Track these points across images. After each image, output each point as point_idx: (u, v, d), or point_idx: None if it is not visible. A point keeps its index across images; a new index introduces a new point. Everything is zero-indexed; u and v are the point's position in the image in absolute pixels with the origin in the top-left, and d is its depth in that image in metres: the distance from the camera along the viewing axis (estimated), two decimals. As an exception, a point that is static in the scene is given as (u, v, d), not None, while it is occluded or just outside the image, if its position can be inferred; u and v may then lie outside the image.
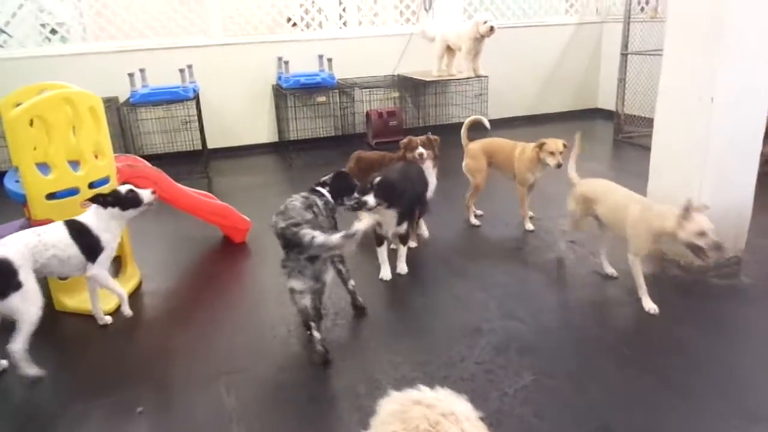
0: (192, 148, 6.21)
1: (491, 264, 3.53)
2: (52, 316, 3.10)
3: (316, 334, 2.59)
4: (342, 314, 3.00)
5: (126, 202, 2.94)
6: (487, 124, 4.33)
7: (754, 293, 3.04)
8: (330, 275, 2.66)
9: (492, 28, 5.98)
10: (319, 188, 2.94)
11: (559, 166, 3.65)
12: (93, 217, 2.88)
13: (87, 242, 2.82)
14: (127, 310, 3.04)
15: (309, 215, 2.62)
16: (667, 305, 2.93)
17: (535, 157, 3.82)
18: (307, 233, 2.42)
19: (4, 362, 2.61)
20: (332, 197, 2.94)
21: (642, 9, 7.08)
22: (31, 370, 2.52)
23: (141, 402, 2.37)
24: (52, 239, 2.71)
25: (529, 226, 3.97)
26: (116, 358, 2.76)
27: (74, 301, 3.15)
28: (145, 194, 3.00)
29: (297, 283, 2.55)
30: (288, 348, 2.74)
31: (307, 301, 2.57)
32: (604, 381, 2.40)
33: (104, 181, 3.24)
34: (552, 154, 3.70)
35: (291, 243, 2.48)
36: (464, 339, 2.70)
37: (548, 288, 3.23)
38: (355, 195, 3.02)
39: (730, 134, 2.95)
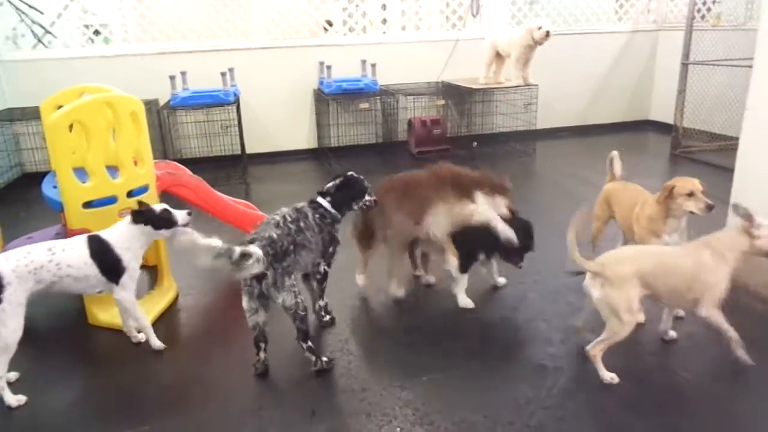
0: (231, 153, 6.08)
1: (549, 288, 3.26)
2: (86, 329, 2.98)
3: (262, 355, 2.57)
4: (387, 343, 2.77)
5: (158, 221, 2.68)
6: (618, 169, 3.27)
7: None
8: (287, 298, 2.43)
9: (548, 34, 5.69)
10: (319, 199, 2.77)
11: (710, 208, 2.66)
12: (117, 234, 2.65)
13: (108, 262, 2.59)
14: (155, 343, 2.77)
15: (273, 232, 2.48)
16: (749, 343, 2.64)
17: (662, 212, 2.77)
18: (250, 248, 2.31)
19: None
20: (337, 206, 2.77)
21: (703, 17, 6.72)
22: (10, 398, 2.37)
23: (175, 434, 2.19)
24: (68, 258, 2.50)
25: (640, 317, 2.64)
26: (148, 382, 2.59)
27: (108, 315, 2.99)
28: (180, 215, 2.73)
29: (244, 302, 2.48)
30: (332, 376, 2.53)
31: (258, 318, 2.49)
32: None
33: (143, 189, 3.08)
34: (691, 195, 2.69)
35: (233, 259, 2.26)
36: (528, 377, 2.45)
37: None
38: (368, 197, 2.85)
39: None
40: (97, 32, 6.17)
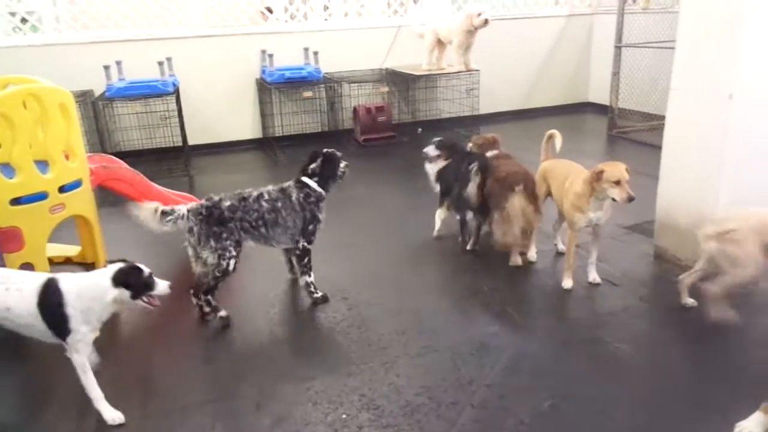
0: (172, 145, 5.93)
1: (492, 273, 3.33)
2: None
3: (194, 300, 2.85)
4: (338, 329, 2.78)
5: (140, 287, 2.23)
6: (557, 146, 3.35)
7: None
8: (210, 257, 2.74)
9: (486, 21, 5.76)
10: (305, 179, 2.95)
11: (631, 199, 2.73)
12: (76, 288, 2.18)
13: (54, 316, 2.15)
14: (107, 415, 2.21)
15: (227, 200, 2.78)
16: (681, 314, 2.78)
17: (587, 192, 2.87)
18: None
19: None
20: (324, 183, 2.97)
21: (634, 0, 6.92)
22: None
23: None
24: (11, 300, 2.14)
25: (568, 283, 3.03)
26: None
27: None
28: (162, 286, 2.30)
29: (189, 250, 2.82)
30: (278, 366, 2.52)
31: (196, 268, 2.82)
32: (627, 405, 2.22)
33: (76, 184, 2.98)
34: (617, 183, 2.75)
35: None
36: (471, 358, 2.50)
37: (556, 298, 3.03)
38: (343, 164, 3.08)
39: (750, 133, 2.78)
40: (24, 20, 5.89)
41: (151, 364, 2.63)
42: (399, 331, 2.75)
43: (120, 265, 2.21)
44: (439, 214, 3.81)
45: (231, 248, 2.75)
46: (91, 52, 5.73)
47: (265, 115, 6.43)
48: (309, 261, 3.02)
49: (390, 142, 6.38)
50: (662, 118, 6.08)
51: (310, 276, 3.03)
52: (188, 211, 2.75)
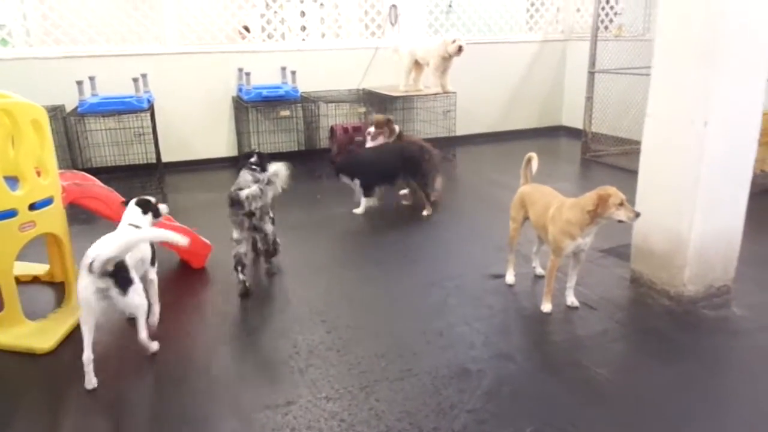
0: (146, 161, 5.83)
1: (470, 292, 3.32)
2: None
3: (242, 276, 3.31)
4: (316, 353, 2.73)
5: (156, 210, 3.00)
6: (533, 169, 3.34)
7: (744, 325, 2.93)
8: (269, 227, 3.43)
9: (460, 48, 5.84)
10: (254, 166, 3.65)
11: (638, 216, 2.76)
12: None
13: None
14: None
15: (254, 185, 3.26)
16: (658, 338, 2.81)
17: (587, 219, 2.81)
18: (242, 192, 3.20)
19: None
20: (262, 170, 3.58)
21: (606, 27, 7.11)
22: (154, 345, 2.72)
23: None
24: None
25: (547, 307, 3.05)
26: (57, 410, 2.42)
27: (8, 336, 2.78)
28: (164, 208, 3.05)
29: (236, 233, 3.31)
30: (255, 390, 2.46)
31: (242, 248, 3.31)
32: (607, 429, 2.21)
33: (47, 201, 2.89)
34: (621, 205, 2.75)
35: (233, 201, 3.24)
36: (452, 382, 2.48)
37: (535, 322, 3.03)
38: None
39: (723, 160, 2.84)
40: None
41: (121, 388, 2.54)
42: (378, 354, 2.71)
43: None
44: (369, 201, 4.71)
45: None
46: (63, 66, 5.63)
47: (241, 133, 6.38)
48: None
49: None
50: (635, 142, 6.30)
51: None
52: (244, 197, 3.20)
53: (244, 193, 3.19)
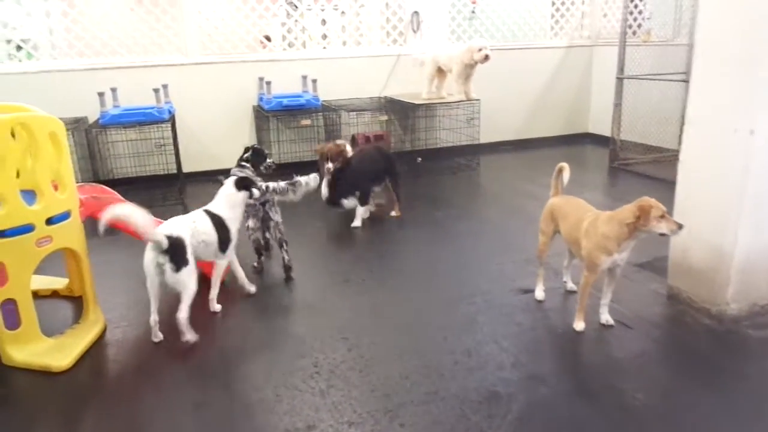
0: (166, 172, 5.80)
1: (499, 308, 3.19)
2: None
3: (262, 260, 3.80)
4: (338, 373, 2.62)
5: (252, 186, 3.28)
6: (565, 180, 3.19)
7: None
8: (278, 215, 3.65)
9: (487, 57, 5.71)
10: (243, 163, 3.85)
11: (681, 228, 2.58)
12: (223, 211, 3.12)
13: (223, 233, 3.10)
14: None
15: (283, 183, 3.58)
16: (699, 360, 2.65)
17: (625, 233, 2.67)
18: (263, 184, 3.48)
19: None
20: (253, 168, 3.87)
21: (634, 33, 6.93)
22: (191, 335, 2.84)
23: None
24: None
25: (580, 325, 2.91)
26: (69, 430, 2.35)
27: (24, 354, 2.72)
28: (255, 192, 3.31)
29: (251, 222, 3.63)
30: (273, 413, 2.36)
31: (258, 235, 3.69)
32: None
33: (64, 215, 2.83)
34: (662, 217, 2.60)
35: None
36: (481, 407, 2.35)
37: (567, 341, 2.89)
38: (268, 161, 4.01)
39: (771, 170, 2.67)
40: (19, 47, 5.79)
41: (139, 409, 2.45)
42: (403, 374, 2.60)
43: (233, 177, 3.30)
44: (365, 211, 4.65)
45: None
46: (86, 78, 5.64)
47: (261, 143, 6.31)
48: None
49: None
50: (665, 150, 6.12)
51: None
52: (269, 187, 3.51)
53: (272, 185, 3.51)
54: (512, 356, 2.72)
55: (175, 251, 2.74)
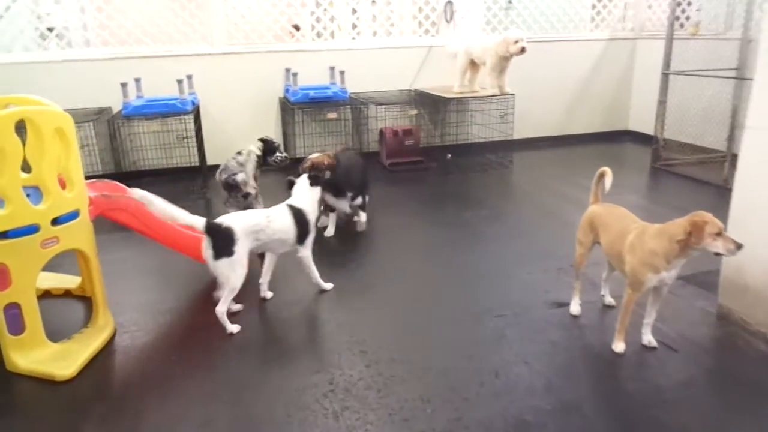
0: (190, 164, 5.68)
1: (529, 324, 2.96)
2: (2, 377, 2.58)
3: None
4: (354, 392, 2.43)
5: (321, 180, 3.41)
6: (607, 186, 2.89)
7: None
8: (261, 205, 3.90)
9: (523, 49, 5.43)
10: (253, 148, 4.17)
11: (740, 248, 2.33)
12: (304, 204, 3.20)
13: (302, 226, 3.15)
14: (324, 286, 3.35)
15: (239, 169, 3.93)
16: (755, 391, 2.38)
17: (675, 250, 2.41)
18: (238, 176, 3.86)
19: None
20: (263, 155, 4.21)
21: (681, 25, 6.53)
22: (232, 326, 2.90)
23: None
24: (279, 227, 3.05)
25: (620, 346, 2.66)
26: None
27: (28, 360, 2.59)
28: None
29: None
30: (285, 438, 2.19)
31: None
32: None
33: (72, 215, 2.69)
34: (719, 235, 2.34)
35: (230, 187, 3.90)
36: (509, 439, 2.14)
37: (605, 364, 2.65)
38: (278, 155, 4.28)
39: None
40: (43, 36, 5.71)
41: (141, 423, 2.31)
42: (424, 397, 2.39)
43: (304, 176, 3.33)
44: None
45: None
46: (110, 68, 5.54)
47: (287, 136, 6.16)
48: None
49: (417, 167, 6.06)
50: (711, 151, 5.75)
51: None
52: (243, 180, 3.89)
53: (239, 178, 3.83)
54: (544, 379, 2.49)
55: (218, 239, 2.79)
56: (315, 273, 3.29)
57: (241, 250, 2.83)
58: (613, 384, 2.50)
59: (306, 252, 3.20)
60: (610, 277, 3.07)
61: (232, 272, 2.82)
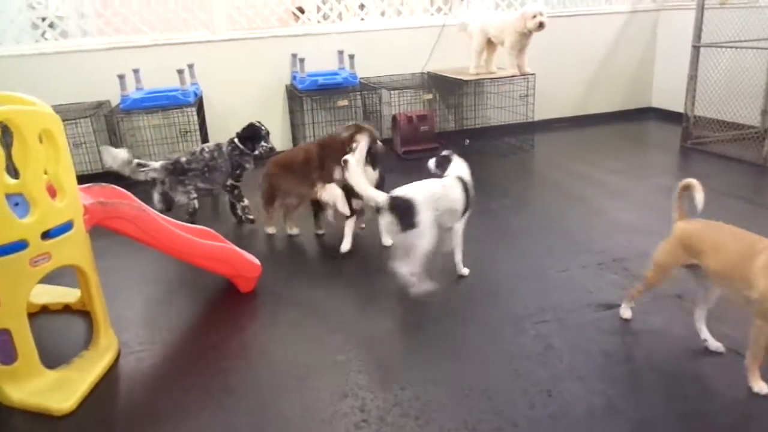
0: (194, 159, 5.37)
1: (575, 330, 2.66)
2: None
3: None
4: (389, 421, 2.15)
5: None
6: (699, 202, 2.41)
7: None
8: (181, 198, 3.93)
9: (542, 24, 5.08)
10: (235, 139, 4.06)
11: None
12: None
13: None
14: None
15: (183, 156, 3.95)
16: None
17: None
18: (154, 165, 3.90)
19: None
20: (242, 143, 4.04)
21: (710, -6, 6.13)
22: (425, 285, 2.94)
23: None
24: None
25: (762, 387, 2.20)
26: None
27: (23, 393, 2.32)
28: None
29: (154, 196, 3.88)
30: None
31: (160, 207, 3.86)
32: None
33: (65, 227, 2.40)
34: None
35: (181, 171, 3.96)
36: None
37: (668, 377, 2.35)
38: (264, 144, 4.10)
39: None
40: (35, 26, 5.40)
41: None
42: (469, 425, 2.11)
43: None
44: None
45: (192, 191, 3.95)
46: (107, 58, 5.23)
47: (295, 125, 5.85)
48: (240, 192, 4.14)
49: (433, 155, 5.72)
50: (745, 127, 5.40)
51: (243, 201, 4.17)
52: (160, 166, 3.85)
53: (183, 159, 3.95)
54: (604, 398, 2.20)
55: (401, 213, 2.80)
56: (460, 252, 3.20)
57: (425, 220, 2.82)
58: (689, 404, 2.19)
59: (462, 226, 3.17)
60: (707, 306, 2.49)
61: (419, 240, 2.82)
